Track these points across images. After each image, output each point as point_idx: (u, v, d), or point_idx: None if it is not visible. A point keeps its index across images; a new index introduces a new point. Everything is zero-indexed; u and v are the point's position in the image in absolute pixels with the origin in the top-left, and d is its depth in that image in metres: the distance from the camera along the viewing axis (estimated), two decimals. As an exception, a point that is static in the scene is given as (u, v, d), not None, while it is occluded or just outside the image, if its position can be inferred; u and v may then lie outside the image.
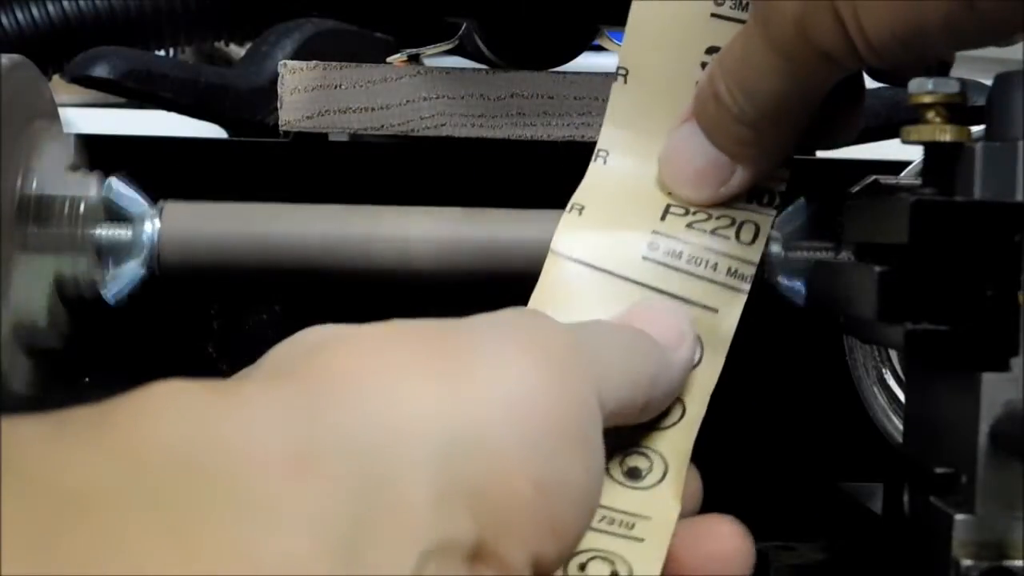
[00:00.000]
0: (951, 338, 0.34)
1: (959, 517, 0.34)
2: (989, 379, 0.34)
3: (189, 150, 0.44)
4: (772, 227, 0.42)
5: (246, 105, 0.56)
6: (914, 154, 0.48)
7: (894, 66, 0.38)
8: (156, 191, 0.44)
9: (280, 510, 0.22)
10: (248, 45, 0.64)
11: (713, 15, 0.41)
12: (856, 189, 0.44)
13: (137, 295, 0.45)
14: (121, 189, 0.44)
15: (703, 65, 0.41)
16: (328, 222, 0.44)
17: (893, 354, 0.53)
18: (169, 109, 0.56)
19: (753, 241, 0.41)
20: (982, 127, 0.37)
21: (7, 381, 0.42)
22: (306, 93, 0.52)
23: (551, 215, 0.42)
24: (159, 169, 0.47)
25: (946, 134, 0.37)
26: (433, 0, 0.55)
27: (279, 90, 0.52)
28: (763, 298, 0.44)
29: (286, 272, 0.45)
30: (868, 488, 0.44)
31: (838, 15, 0.35)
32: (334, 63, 0.52)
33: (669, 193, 0.42)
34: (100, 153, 0.47)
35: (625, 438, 0.37)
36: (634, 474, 0.36)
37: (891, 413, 0.53)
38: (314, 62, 0.52)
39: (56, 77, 0.64)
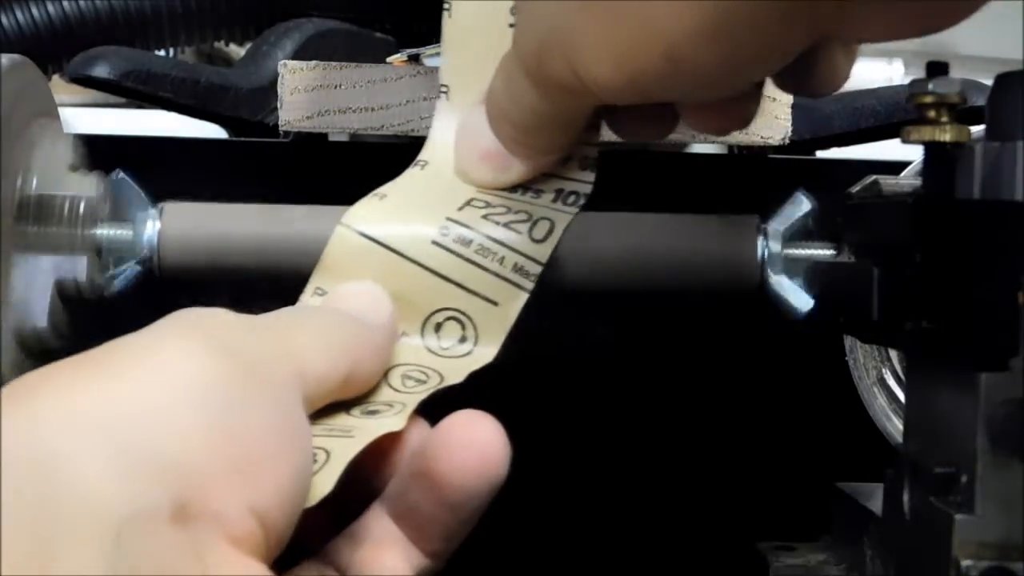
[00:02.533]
0: (951, 338, 0.34)
1: (959, 517, 0.34)
2: (989, 379, 0.34)
3: (189, 150, 0.44)
4: (567, 228, 0.41)
5: (246, 105, 0.56)
6: (914, 154, 0.48)
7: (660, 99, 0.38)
8: (156, 191, 0.44)
9: None
10: (248, 45, 0.64)
11: (511, 25, 0.41)
12: (856, 189, 0.44)
13: (137, 295, 0.45)
14: (121, 189, 0.44)
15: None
16: (328, 223, 0.44)
17: (893, 354, 0.53)
18: (169, 109, 0.56)
19: (545, 239, 0.41)
20: (982, 127, 0.37)
21: (7, 381, 0.42)
22: (306, 93, 0.52)
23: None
24: (159, 169, 0.47)
25: (946, 134, 0.37)
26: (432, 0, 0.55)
27: (279, 90, 0.52)
28: (763, 298, 0.45)
29: (286, 273, 0.45)
30: (868, 488, 0.44)
31: (567, 56, 0.36)
32: (334, 63, 0.52)
33: (476, 188, 0.42)
34: (100, 153, 0.47)
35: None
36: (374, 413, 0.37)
37: (891, 413, 0.53)
38: (314, 62, 0.52)
39: (56, 77, 0.64)
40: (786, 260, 0.44)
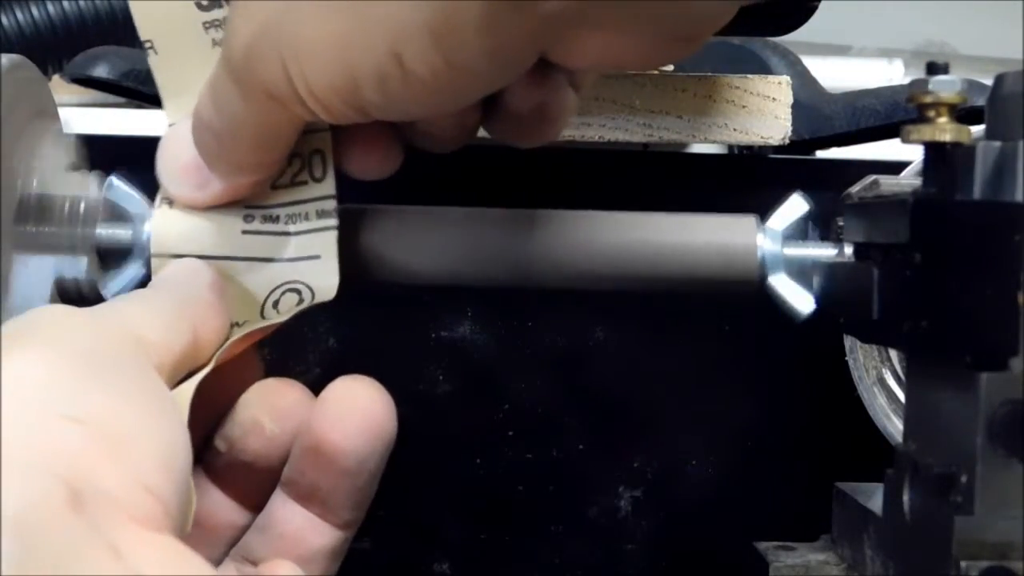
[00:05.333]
0: (951, 338, 0.34)
1: (959, 517, 0.34)
2: (989, 379, 0.34)
3: (189, 150, 0.44)
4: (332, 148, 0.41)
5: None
6: (914, 154, 0.48)
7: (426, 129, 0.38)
8: (156, 191, 0.44)
9: None
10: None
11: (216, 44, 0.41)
12: (856, 189, 0.44)
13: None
14: (121, 189, 0.44)
15: (206, 27, 0.41)
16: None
17: (893, 354, 0.53)
18: (169, 109, 0.56)
19: (325, 173, 0.41)
20: (982, 127, 0.37)
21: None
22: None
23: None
24: (159, 169, 0.47)
25: (946, 134, 0.37)
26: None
27: (279, 90, 0.52)
28: (763, 298, 0.44)
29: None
30: (868, 488, 0.44)
31: (282, 56, 0.34)
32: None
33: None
34: (100, 153, 0.47)
35: None
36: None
37: (891, 413, 0.53)
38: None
39: (56, 77, 0.64)
40: (786, 260, 0.44)
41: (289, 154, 0.41)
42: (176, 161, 0.41)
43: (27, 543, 0.26)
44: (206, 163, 0.40)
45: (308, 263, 0.41)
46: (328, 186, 0.42)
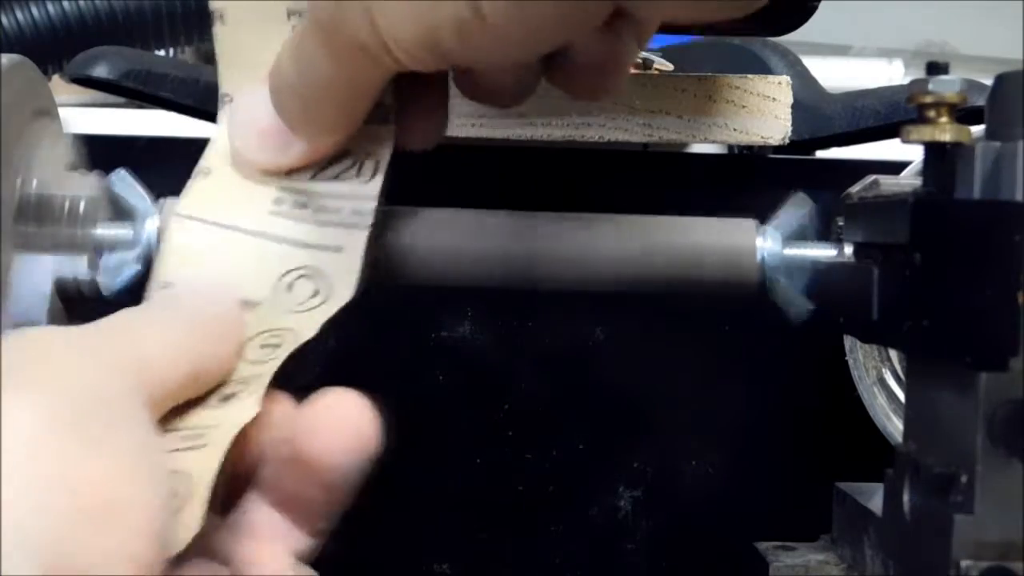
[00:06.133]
0: (951, 338, 0.34)
1: (959, 517, 0.34)
2: (989, 379, 0.34)
3: (189, 150, 0.44)
4: (390, 163, 0.42)
5: (246, 105, 0.55)
6: (914, 154, 0.48)
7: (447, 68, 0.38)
8: (156, 191, 0.44)
9: None
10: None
11: (291, 16, 0.42)
12: (856, 189, 0.44)
13: (137, 295, 0.45)
14: (124, 185, 0.44)
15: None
16: None
17: (893, 354, 0.53)
18: (169, 109, 0.56)
19: (372, 177, 0.42)
20: (982, 127, 0.37)
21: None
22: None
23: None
24: (159, 169, 0.47)
25: (946, 134, 0.37)
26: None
27: (279, 90, 0.52)
28: (763, 299, 0.44)
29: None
30: (868, 488, 0.44)
31: (367, 9, 0.35)
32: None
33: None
34: (100, 153, 0.47)
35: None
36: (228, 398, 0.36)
37: (891, 413, 0.53)
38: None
39: (56, 77, 0.64)
40: (786, 260, 0.44)
41: (342, 152, 0.41)
42: (254, 126, 0.41)
43: None
44: (289, 126, 0.40)
45: (328, 254, 0.41)
46: (372, 189, 0.42)
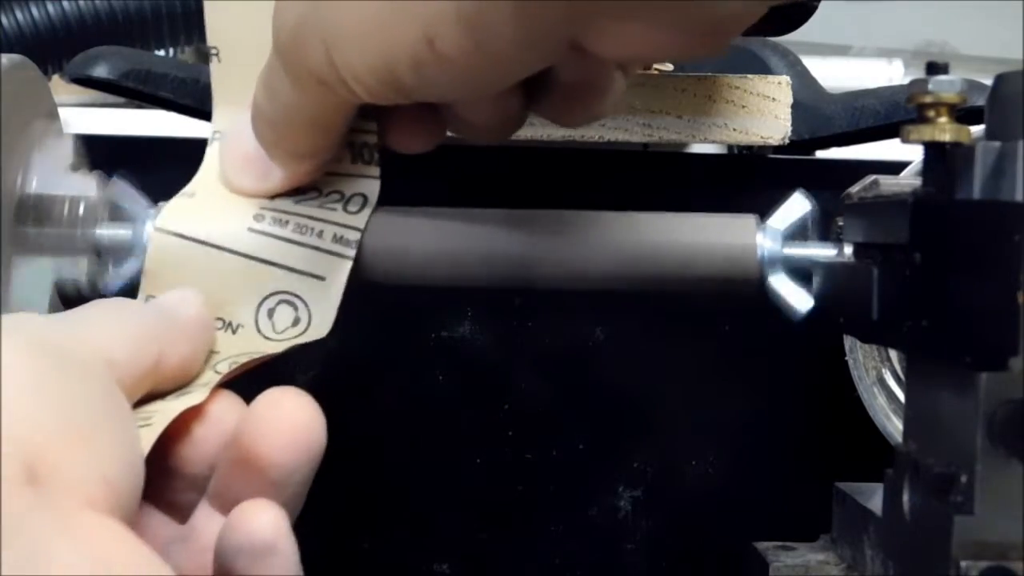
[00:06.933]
0: (951, 338, 0.34)
1: (959, 517, 0.34)
2: (989, 379, 0.34)
3: (189, 150, 0.44)
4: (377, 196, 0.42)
5: (246, 105, 0.55)
6: (914, 154, 0.48)
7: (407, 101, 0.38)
8: (156, 191, 0.44)
9: None
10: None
11: None
12: (856, 189, 0.44)
13: (136, 295, 0.45)
14: (122, 189, 0.44)
15: None
16: None
17: (893, 354, 0.53)
18: (169, 109, 0.56)
19: (360, 210, 0.42)
20: (982, 127, 0.37)
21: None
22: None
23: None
24: (159, 169, 0.47)
25: (946, 134, 0.37)
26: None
27: (279, 90, 0.52)
28: (762, 298, 0.44)
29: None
30: (868, 488, 0.44)
31: (324, 41, 0.36)
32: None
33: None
34: (100, 153, 0.47)
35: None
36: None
37: (891, 413, 0.53)
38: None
39: (56, 77, 0.64)
40: (785, 260, 0.44)
41: (328, 186, 0.42)
42: (238, 152, 0.42)
43: None
44: (265, 152, 0.41)
45: (310, 280, 0.41)
46: (358, 221, 0.42)
